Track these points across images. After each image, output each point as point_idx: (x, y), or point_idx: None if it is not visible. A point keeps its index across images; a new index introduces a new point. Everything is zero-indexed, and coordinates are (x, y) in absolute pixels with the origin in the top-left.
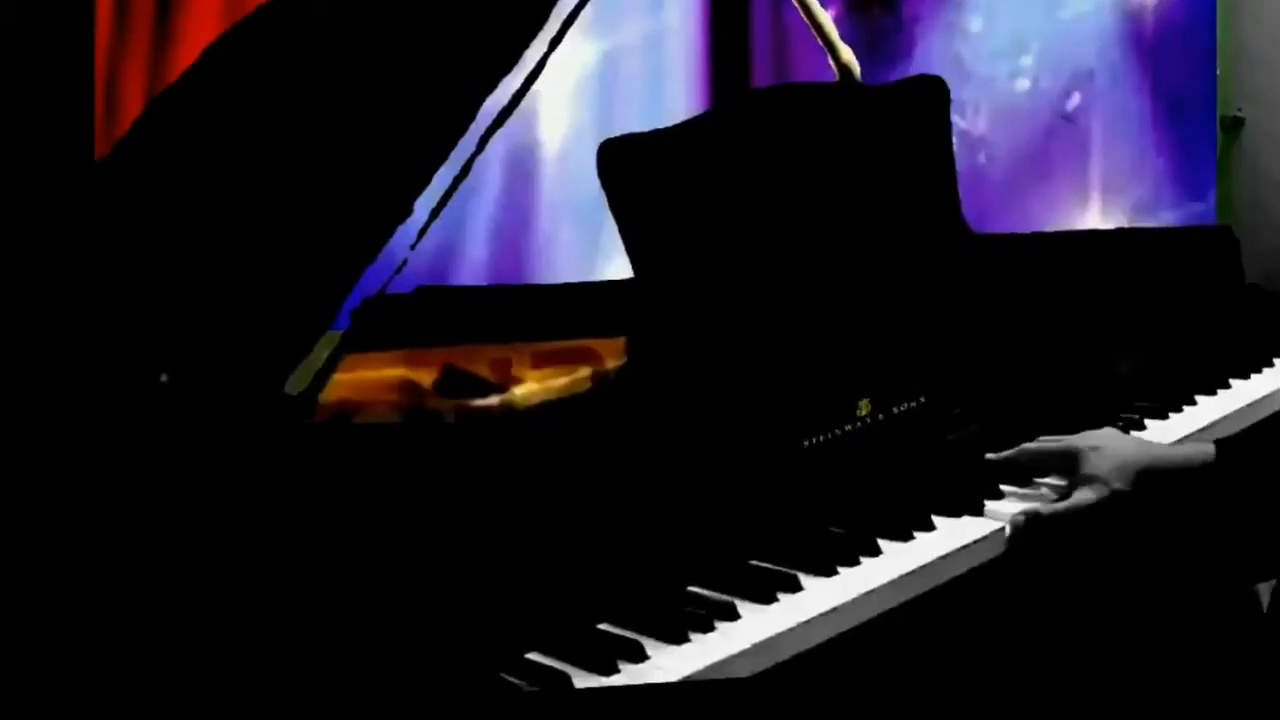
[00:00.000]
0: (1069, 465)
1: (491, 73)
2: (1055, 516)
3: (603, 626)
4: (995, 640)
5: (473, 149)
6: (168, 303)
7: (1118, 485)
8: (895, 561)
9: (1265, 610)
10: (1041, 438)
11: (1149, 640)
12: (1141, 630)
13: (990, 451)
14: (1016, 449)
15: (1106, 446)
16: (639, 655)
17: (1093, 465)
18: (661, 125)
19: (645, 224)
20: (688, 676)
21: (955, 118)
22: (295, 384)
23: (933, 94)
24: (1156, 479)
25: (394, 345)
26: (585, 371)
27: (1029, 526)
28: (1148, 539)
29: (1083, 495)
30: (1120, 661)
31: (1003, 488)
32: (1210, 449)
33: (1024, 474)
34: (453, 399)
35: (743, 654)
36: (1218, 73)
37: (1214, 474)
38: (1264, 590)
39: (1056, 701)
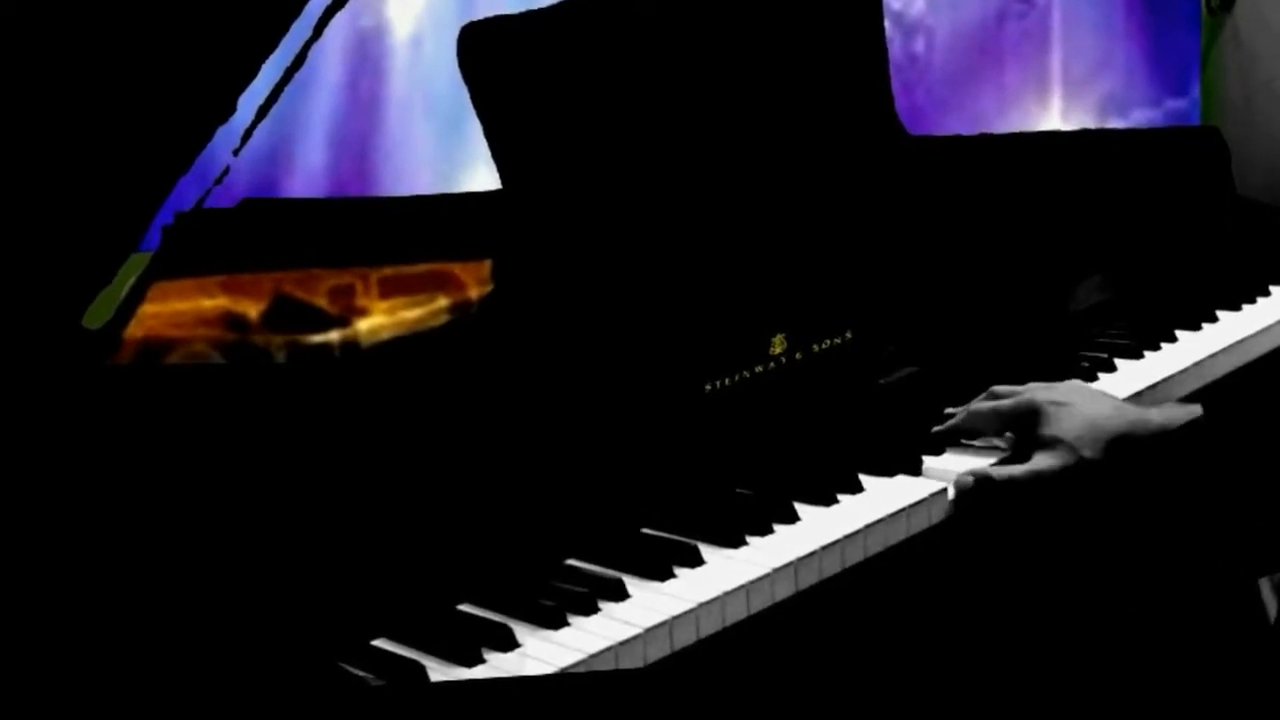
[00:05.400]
0: (1028, 423)
1: None
2: (1011, 482)
3: (464, 608)
4: (936, 624)
5: (308, 34)
6: None
7: (1086, 453)
8: (815, 530)
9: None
10: (994, 387)
11: (1122, 636)
12: (1114, 625)
13: (929, 397)
14: (962, 411)
15: (1073, 404)
16: (508, 642)
17: (1057, 426)
18: (535, 5)
19: (515, 124)
20: (566, 668)
21: None
22: (94, 317)
23: None
24: (1133, 448)
25: (214, 270)
26: (443, 301)
27: (978, 490)
28: (1122, 517)
29: (1044, 460)
30: (1086, 658)
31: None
32: (1196, 410)
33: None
34: (284, 334)
35: (632, 641)
36: None
37: (1201, 442)
38: (1265, 585)
39: (1007, 698)
